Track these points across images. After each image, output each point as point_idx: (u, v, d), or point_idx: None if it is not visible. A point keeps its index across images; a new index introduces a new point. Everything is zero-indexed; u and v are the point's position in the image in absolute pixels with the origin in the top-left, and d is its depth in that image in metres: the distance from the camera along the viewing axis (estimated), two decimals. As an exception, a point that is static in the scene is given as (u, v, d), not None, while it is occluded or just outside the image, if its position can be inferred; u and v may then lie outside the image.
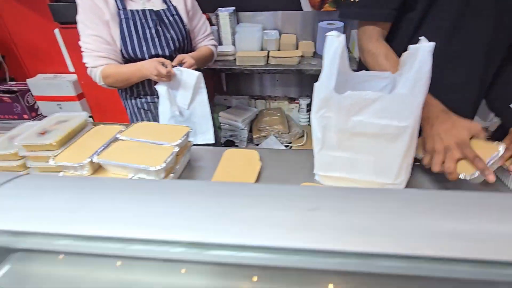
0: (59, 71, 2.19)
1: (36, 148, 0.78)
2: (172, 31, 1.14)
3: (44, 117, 2.41)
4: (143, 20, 1.08)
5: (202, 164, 0.88)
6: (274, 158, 0.89)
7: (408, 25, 0.82)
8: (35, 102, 2.24)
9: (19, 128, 0.90)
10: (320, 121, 0.67)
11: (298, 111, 2.29)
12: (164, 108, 1.12)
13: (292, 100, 2.31)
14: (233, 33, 1.98)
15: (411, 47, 0.64)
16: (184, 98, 1.12)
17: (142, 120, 1.27)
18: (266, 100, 2.32)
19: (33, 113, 2.24)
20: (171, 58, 1.15)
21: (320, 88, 0.63)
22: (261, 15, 2.01)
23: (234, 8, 1.96)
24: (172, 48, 1.15)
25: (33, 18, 2.00)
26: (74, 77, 2.11)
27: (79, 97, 2.16)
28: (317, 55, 1.93)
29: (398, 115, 0.61)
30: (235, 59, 1.89)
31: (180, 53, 1.17)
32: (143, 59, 1.10)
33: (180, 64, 1.09)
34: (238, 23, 2.04)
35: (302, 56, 1.84)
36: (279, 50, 1.92)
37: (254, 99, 2.33)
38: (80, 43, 1.07)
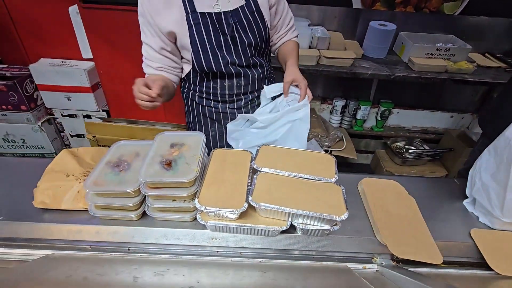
0: (66, 56, 1.86)
1: (164, 185, 0.61)
2: (250, 35, 0.92)
3: (47, 109, 2.08)
4: (217, 26, 0.88)
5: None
6: (407, 187, 0.81)
7: None
8: (35, 91, 1.90)
9: (115, 150, 0.71)
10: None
11: (331, 112, 2.21)
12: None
13: (324, 100, 2.21)
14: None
15: None
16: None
17: (214, 131, 1.09)
18: (298, 99, 2.19)
19: (32, 104, 1.90)
20: (248, 67, 0.97)
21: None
22: (307, 9, 1.85)
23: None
24: (249, 55, 0.95)
25: (38, -10, 1.65)
26: (88, 64, 1.80)
27: (93, 88, 1.86)
28: (365, 57, 1.84)
29: None
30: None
31: (256, 58, 0.98)
32: (219, 72, 0.93)
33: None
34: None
35: (355, 58, 1.74)
36: (327, 49, 1.80)
37: (284, 98, 2.19)
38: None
